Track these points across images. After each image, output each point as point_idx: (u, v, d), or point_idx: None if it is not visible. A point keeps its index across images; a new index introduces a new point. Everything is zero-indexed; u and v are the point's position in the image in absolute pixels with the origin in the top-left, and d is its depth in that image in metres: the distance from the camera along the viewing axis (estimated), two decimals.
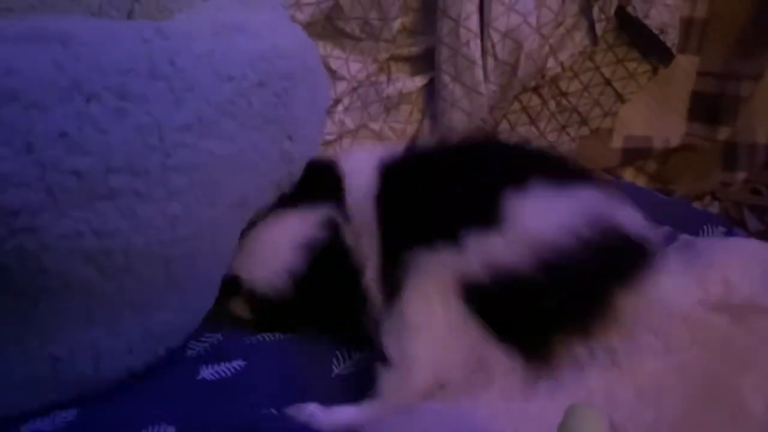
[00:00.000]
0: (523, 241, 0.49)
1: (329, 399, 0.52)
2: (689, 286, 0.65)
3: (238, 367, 0.53)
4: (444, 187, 0.55)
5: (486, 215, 0.50)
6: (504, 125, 1.03)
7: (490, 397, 0.54)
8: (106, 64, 0.42)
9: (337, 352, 0.59)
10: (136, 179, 0.42)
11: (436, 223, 0.52)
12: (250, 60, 0.52)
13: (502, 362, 0.51)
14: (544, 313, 0.49)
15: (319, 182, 0.63)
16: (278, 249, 0.60)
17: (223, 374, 0.52)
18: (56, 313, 0.43)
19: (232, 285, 0.59)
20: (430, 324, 0.50)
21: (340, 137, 1.00)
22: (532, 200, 0.51)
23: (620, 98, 1.02)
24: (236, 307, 0.61)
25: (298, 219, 0.60)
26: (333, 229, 0.59)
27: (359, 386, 0.54)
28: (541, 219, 0.50)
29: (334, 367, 0.58)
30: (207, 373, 0.52)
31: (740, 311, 0.62)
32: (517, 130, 1.03)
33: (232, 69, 0.50)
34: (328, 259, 0.59)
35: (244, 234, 0.59)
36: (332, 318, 0.59)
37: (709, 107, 1.01)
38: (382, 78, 1.00)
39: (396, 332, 0.51)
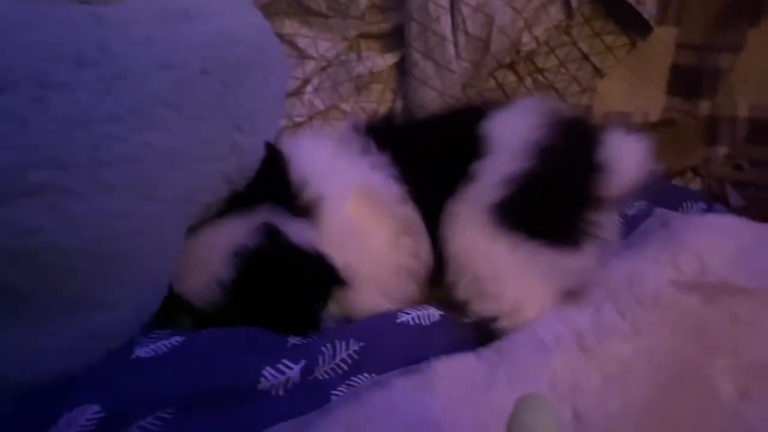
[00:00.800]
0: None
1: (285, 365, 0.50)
2: (661, 266, 0.64)
3: (175, 343, 0.51)
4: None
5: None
6: None
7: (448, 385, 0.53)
8: (25, 49, 0.39)
9: None
10: (62, 174, 0.40)
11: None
12: (194, 47, 0.49)
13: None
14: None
15: (258, 180, 0.59)
16: (207, 260, 0.56)
17: (159, 351, 0.50)
18: None
19: (173, 296, 0.56)
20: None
21: (309, 119, 0.97)
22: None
23: (598, 73, 0.99)
24: (179, 317, 0.58)
25: (230, 226, 0.57)
26: (269, 233, 0.56)
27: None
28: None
29: (289, 338, 0.56)
30: (142, 351, 0.50)
31: (713, 291, 0.61)
32: None
33: (171, 56, 0.47)
34: (264, 266, 0.56)
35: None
36: (279, 323, 0.56)
37: (688, 80, 0.98)
38: (352, 56, 0.97)
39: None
